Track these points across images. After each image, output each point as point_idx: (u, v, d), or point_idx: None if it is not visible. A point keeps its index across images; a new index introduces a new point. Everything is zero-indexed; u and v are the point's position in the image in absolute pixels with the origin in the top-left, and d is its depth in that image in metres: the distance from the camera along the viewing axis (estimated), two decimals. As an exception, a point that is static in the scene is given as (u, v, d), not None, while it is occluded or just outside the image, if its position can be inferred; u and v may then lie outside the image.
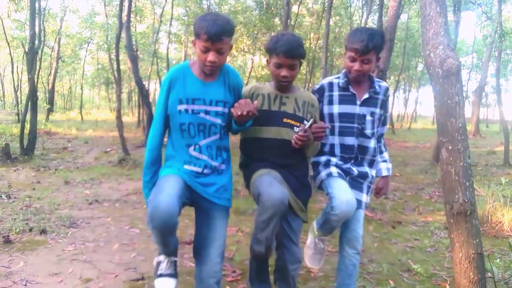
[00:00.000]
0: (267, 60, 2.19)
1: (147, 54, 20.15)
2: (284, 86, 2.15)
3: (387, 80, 25.72)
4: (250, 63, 26.90)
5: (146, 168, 2.03)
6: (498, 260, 3.30)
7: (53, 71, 22.48)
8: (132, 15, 13.22)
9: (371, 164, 2.35)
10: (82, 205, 4.71)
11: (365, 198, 2.31)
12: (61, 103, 34.74)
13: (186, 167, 1.96)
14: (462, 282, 2.19)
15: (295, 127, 2.12)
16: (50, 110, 18.80)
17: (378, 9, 6.03)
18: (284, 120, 2.13)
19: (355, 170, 2.29)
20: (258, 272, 2.36)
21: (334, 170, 2.25)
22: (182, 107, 1.93)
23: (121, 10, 8.79)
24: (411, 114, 32.68)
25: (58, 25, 19.89)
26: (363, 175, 2.32)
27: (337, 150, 2.30)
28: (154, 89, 30.01)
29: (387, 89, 2.32)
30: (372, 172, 2.36)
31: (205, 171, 1.98)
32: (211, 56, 1.84)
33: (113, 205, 4.80)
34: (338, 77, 2.31)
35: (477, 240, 2.14)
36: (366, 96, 2.26)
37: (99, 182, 6.07)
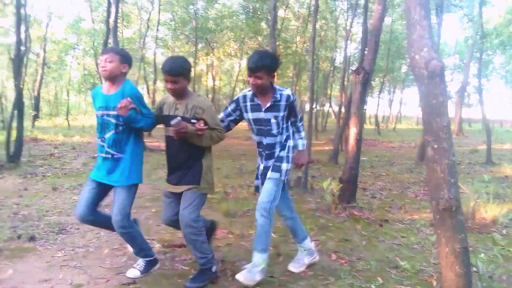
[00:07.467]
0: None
1: (134, 59, 20.01)
2: (174, 95, 2.75)
3: (372, 82, 26.03)
4: (237, 67, 26.95)
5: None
6: (482, 255, 3.39)
7: (38, 77, 22.21)
8: (119, 21, 13.17)
9: (273, 156, 2.92)
10: (71, 211, 4.65)
11: (269, 174, 2.87)
12: (47, 110, 34.25)
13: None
14: (449, 275, 2.25)
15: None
16: (36, 117, 18.56)
17: (363, 13, 6.13)
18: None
19: (261, 166, 2.97)
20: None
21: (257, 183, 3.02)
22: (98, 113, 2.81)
23: (108, 16, 8.77)
24: (395, 115, 33.08)
25: (43, 31, 19.68)
26: (266, 168, 2.92)
27: (258, 146, 2.99)
28: (142, 94, 29.80)
29: (288, 96, 2.86)
30: (270, 163, 2.92)
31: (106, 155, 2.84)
32: None
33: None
34: (250, 91, 2.92)
35: (462, 235, 2.21)
36: (268, 104, 2.85)
37: (87, 188, 6.00)
